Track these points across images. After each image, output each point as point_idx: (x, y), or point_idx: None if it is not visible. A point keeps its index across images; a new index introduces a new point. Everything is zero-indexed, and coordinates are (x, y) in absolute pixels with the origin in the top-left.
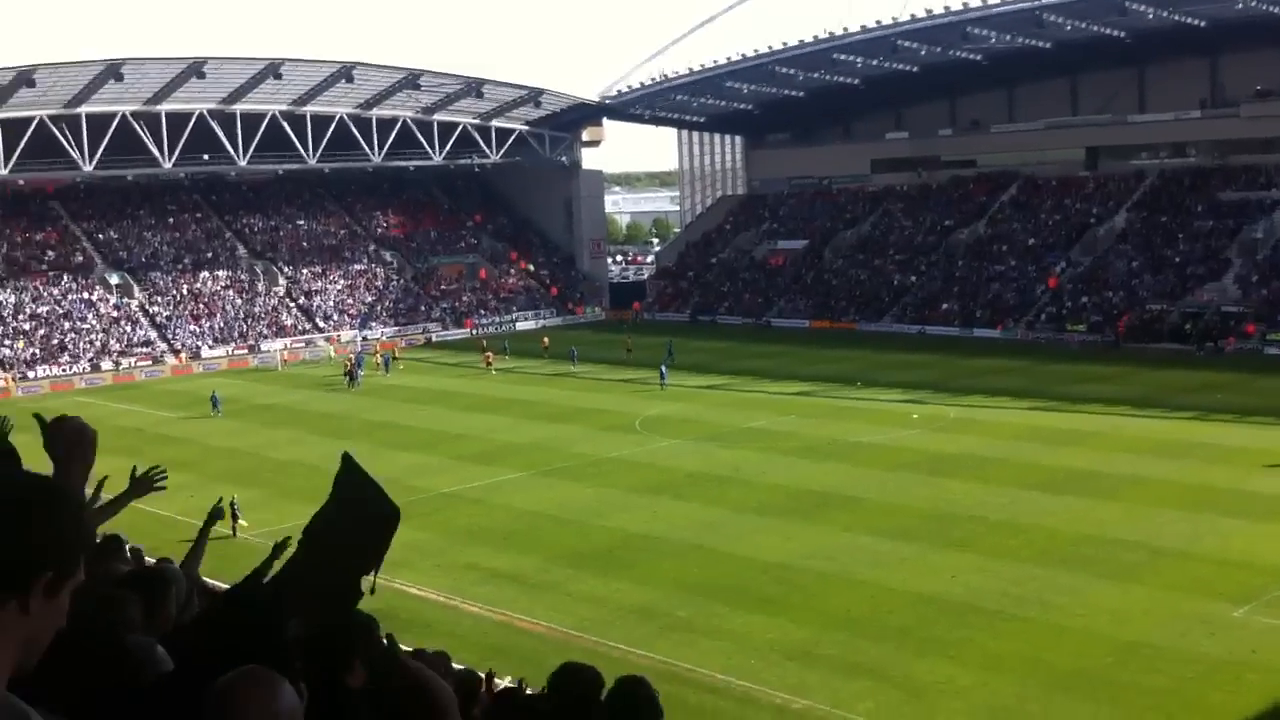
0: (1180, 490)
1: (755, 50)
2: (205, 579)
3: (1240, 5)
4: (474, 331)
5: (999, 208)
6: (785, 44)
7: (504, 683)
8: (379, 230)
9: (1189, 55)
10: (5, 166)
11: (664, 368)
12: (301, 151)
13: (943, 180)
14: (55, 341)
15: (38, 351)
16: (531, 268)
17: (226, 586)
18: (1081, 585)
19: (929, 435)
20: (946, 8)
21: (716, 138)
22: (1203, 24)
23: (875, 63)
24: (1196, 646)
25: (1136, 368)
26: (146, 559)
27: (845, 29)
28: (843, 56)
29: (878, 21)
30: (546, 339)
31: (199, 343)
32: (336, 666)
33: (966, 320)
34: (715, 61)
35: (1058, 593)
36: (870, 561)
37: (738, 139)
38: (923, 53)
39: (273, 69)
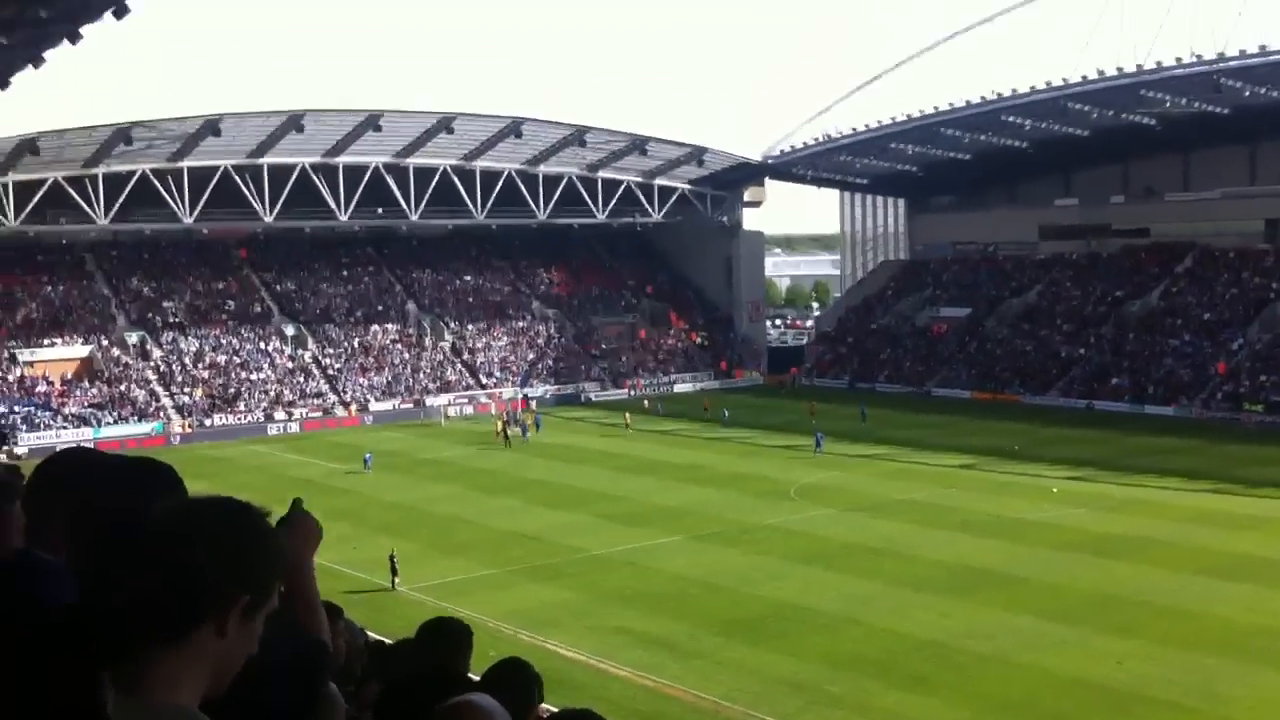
0: None
1: (920, 111)
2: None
3: None
4: (631, 393)
5: (1173, 279)
6: (951, 104)
7: None
8: (542, 288)
9: None
10: (191, 216)
11: (819, 435)
12: (470, 206)
13: (1113, 249)
14: (232, 390)
15: (215, 400)
16: (698, 338)
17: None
18: (1252, 676)
19: (1094, 515)
20: (1120, 69)
21: (879, 200)
22: None
23: (1044, 125)
24: None
25: None
26: None
27: (1014, 90)
28: (1011, 118)
29: (1047, 83)
30: (707, 401)
31: (368, 395)
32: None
33: (1138, 396)
34: (879, 122)
35: (1228, 683)
36: (1029, 644)
37: (901, 202)
38: (1094, 116)
39: (444, 123)
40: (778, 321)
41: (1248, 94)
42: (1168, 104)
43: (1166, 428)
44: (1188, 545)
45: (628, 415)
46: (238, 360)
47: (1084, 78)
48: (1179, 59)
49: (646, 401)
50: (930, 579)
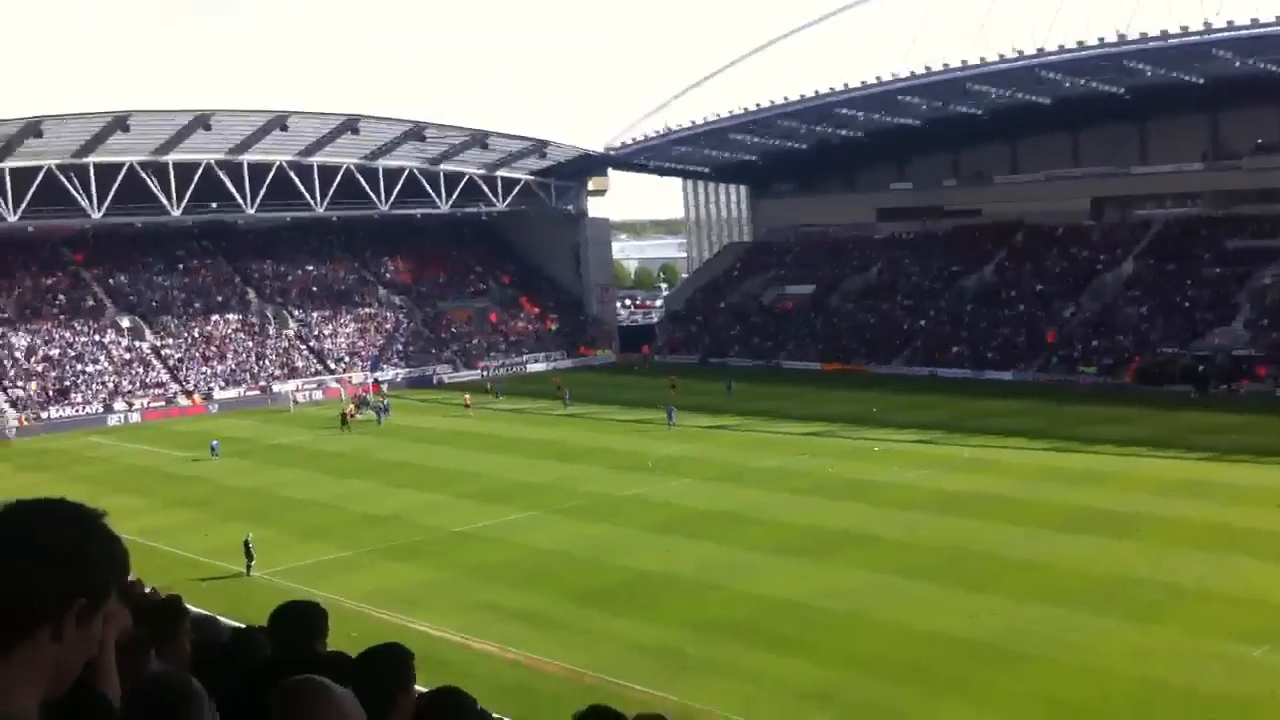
0: (1199, 529)
1: (758, 104)
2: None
3: (1238, 64)
4: (484, 373)
5: (1006, 254)
6: (787, 98)
7: None
8: (388, 276)
9: (1189, 110)
10: (14, 214)
11: (671, 407)
12: (309, 200)
13: (948, 229)
14: (68, 383)
15: (51, 392)
16: (553, 325)
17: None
18: (1103, 625)
19: (943, 475)
20: (945, 65)
21: (722, 187)
22: (1202, 81)
23: (877, 116)
24: (1218, 686)
25: (1150, 409)
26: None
27: (846, 84)
28: (845, 111)
29: (878, 77)
30: (558, 379)
31: (211, 384)
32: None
33: (978, 363)
34: (719, 115)
35: (1079, 632)
36: (888, 601)
37: (743, 188)
38: (924, 107)
39: (279, 121)
40: (627, 302)
41: (1068, 85)
42: (993, 95)
43: (1006, 391)
44: (1032, 501)
45: (467, 396)
46: (72, 353)
47: (912, 73)
48: (1001, 55)
49: (489, 384)
50: (788, 543)
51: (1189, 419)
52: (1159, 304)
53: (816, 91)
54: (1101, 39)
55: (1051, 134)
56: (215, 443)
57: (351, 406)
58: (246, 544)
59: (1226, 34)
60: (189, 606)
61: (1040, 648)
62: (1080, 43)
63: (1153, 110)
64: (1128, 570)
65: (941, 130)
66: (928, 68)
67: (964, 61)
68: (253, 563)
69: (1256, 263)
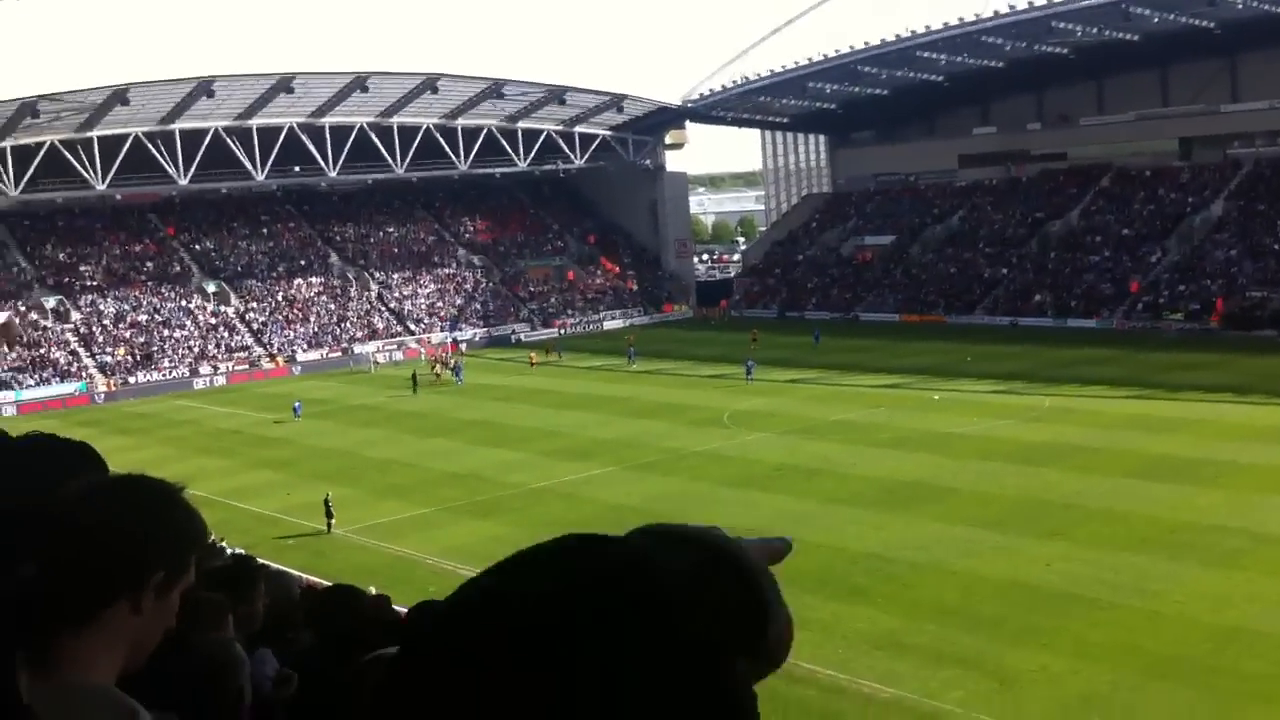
0: None
1: (837, 50)
2: (302, 574)
3: None
4: (561, 331)
5: (1091, 199)
6: (867, 43)
7: None
8: (467, 236)
9: None
10: (104, 182)
11: (750, 362)
12: (390, 161)
13: (1032, 174)
14: (155, 348)
15: (138, 357)
16: (634, 285)
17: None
18: (1180, 572)
19: (1023, 425)
20: (1030, 2)
21: (800, 137)
22: None
23: (959, 59)
24: None
25: (1237, 355)
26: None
27: (928, 26)
28: (926, 54)
29: (960, 19)
30: (631, 336)
31: (294, 346)
32: None
33: (1060, 311)
34: (797, 62)
35: (1155, 580)
36: (963, 551)
37: (822, 138)
38: (1007, 48)
39: (359, 83)
40: (704, 256)
41: (1156, 20)
42: (1079, 34)
43: (1090, 340)
44: (1113, 450)
45: (533, 355)
46: (159, 318)
47: (995, 12)
48: None
49: (546, 350)
50: (864, 495)
51: (1276, 365)
52: (1248, 246)
53: (897, 35)
54: None
55: (1139, 72)
56: (298, 404)
57: (440, 366)
58: (326, 502)
59: None
60: (267, 563)
61: (1116, 595)
62: None
63: (1243, 45)
64: (1208, 518)
65: (1025, 71)
66: (1011, 6)
67: None
68: (333, 520)
69: None
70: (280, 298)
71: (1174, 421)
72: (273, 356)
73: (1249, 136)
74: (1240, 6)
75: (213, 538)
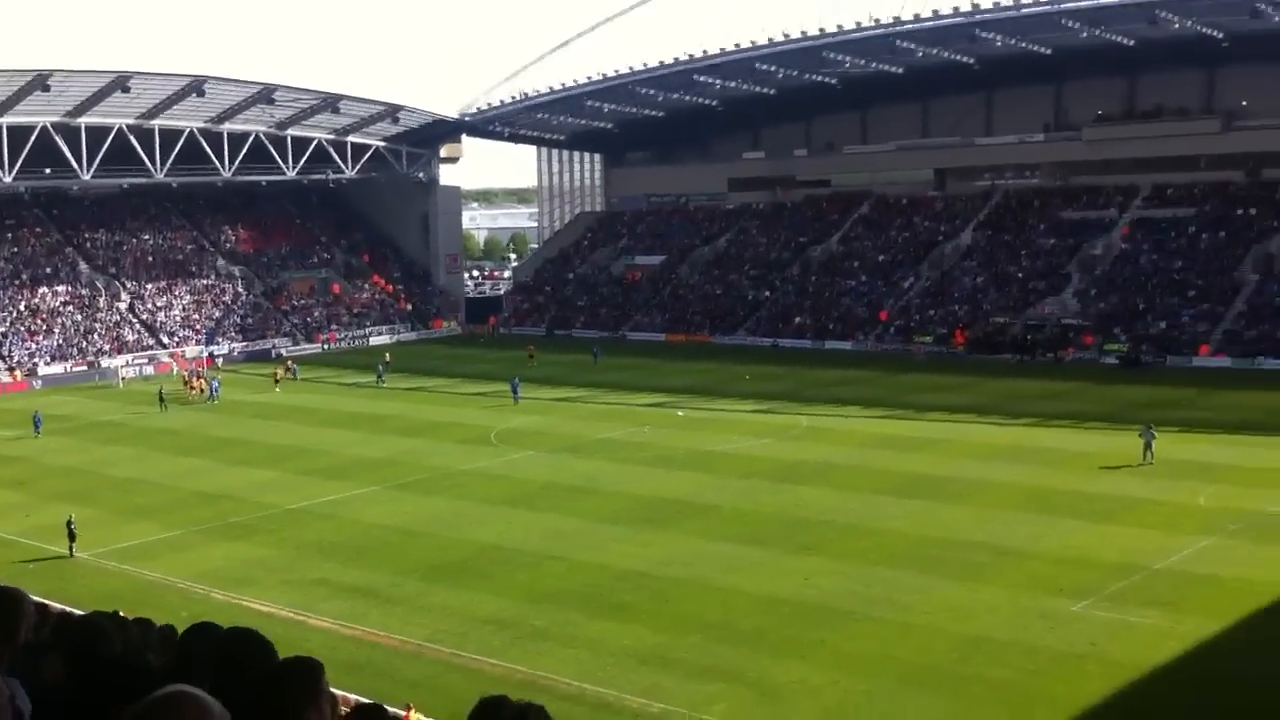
0: (1022, 493)
1: (615, 70)
2: (44, 600)
3: (1085, 34)
4: (326, 346)
5: (851, 225)
6: (645, 64)
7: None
8: (228, 245)
9: (1035, 81)
10: None
11: (516, 381)
12: (149, 165)
13: (798, 199)
14: None
15: None
16: (409, 305)
17: (66, 608)
18: (928, 585)
19: (782, 444)
20: (804, 33)
21: (576, 155)
22: (1048, 51)
23: (733, 85)
24: (1038, 640)
25: (981, 377)
26: None
27: (705, 51)
28: (702, 78)
29: (736, 45)
30: (388, 354)
31: (35, 360)
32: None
33: (819, 333)
34: (575, 81)
35: (905, 592)
36: (723, 567)
37: (597, 157)
38: (780, 75)
39: (121, 82)
40: (475, 273)
41: (920, 54)
42: (848, 64)
43: (846, 361)
44: (865, 468)
45: (278, 371)
46: None
47: (770, 40)
48: (859, 23)
49: (284, 368)
50: (629, 512)
51: (1016, 387)
52: (993, 274)
53: (675, 59)
54: (956, 8)
55: (901, 104)
56: (38, 415)
57: (196, 380)
58: (69, 524)
59: (1078, 2)
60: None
61: (870, 608)
62: (935, 11)
63: (1000, 81)
64: (954, 533)
65: (795, 99)
66: (786, 35)
67: (822, 29)
68: (75, 544)
69: (1088, 233)
70: (23, 307)
71: (922, 441)
72: (12, 370)
73: (1000, 169)
74: (999, 44)
75: None
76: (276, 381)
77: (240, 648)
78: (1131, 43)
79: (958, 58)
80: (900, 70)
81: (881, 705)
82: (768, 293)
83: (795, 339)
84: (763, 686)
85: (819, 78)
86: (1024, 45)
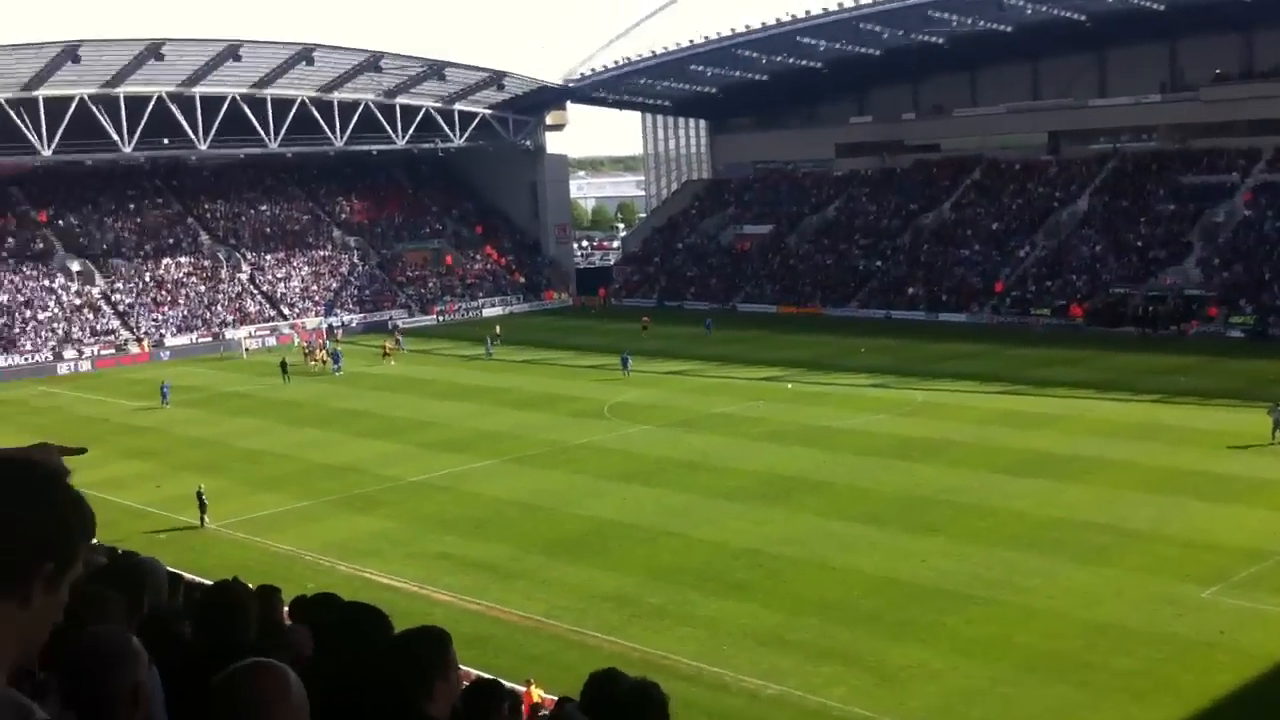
0: (1147, 473)
1: (718, 33)
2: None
3: None
4: (440, 318)
5: (963, 191)
6: (748, 26)
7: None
8: (343, 216)
9: (1149, 39)
10: None
11: (627, 355)
12: (263, 135)
13: (906, 164)
14: (16, 330)
15: None
16: (521, 277)
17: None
18: (1051, 568)
19: (897, 419)
20: None
21: (681, 121)
22: (1161, 7)
23: (838, 46)
24: (1166, 627)
25: (1101, 351)
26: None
27: (808, 11)
28: (805, 39)
29: (840, 4)
30: (498, 327)
31: (162, 330)
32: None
33: (933, 304)
34: (679, 44)
35: (1028, 575)
36: (841, 546)
37: (702, 123)
38: (885, 36)
39: (232, 51)
40: (585, 243)
41: (1029, 11)
42: (954, 23)
43: (961, 334)
44: (984, 445)
45: (387, 344)
46: (20, 299)
47: None
48: None
49: (393, 340)
50: (744, 489)
51: (1139, 361)
52: (1112, 242)
53: (777, 19)
54: None
55: (1011, 64)
56: (166, 385)
57: (320, 353)
58: (199, 495)
59: None
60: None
61: (991, 590)
62: None
63: (1112, 39)
64: (1077, 514)
65: (902, 60)
66: None
67: None
68: (206, 514)
69: (1210, 199)
70: (148, 278)
71: (1041, 417)
72: (140, 341)
73: (1115, 131)
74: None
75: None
76: (386, 354)
77: (361, 619)
78: None
79: (1068, 14)
80: (1009, 29)
81: (1004, 691)
82: (879, 263)
83: (908, 310)
84: (881, 670)
85: (925, 37)
86: (1136, 0)
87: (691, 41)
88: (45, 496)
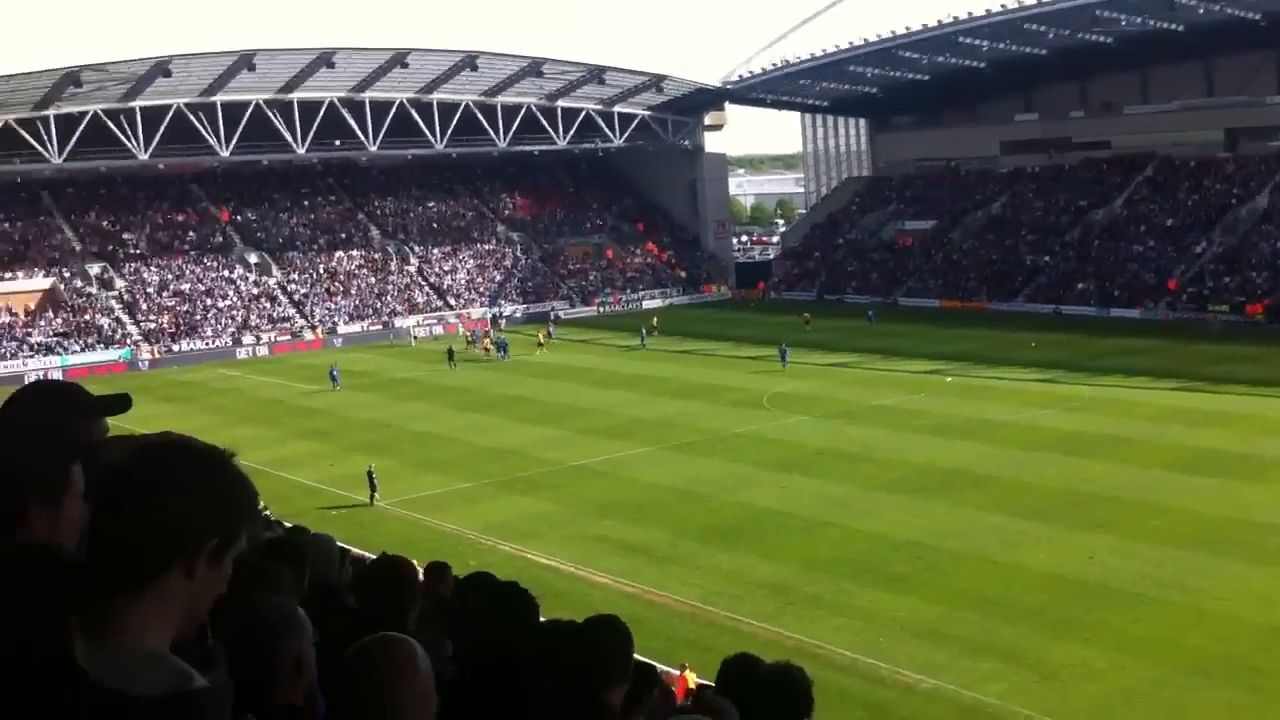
0: None
1: (878, 34)
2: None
3: None
4: (601, 309)
5: (1135, 188)
6: (909, 28)
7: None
8: (506, 212)
9: None
10: (145, 152)
11: (784, 347)
12: (430, 137)
13: (1075, 162)
14: (198, 317)
15: (181, 326)
16: (682, 271)
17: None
18: (1224, 569)
19: (1064, 414)
20: None
21: (840, 120)
22: None
23: (1001, 46)
24: None
25: None
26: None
27: (970, 13)
28: (968, 40)
29: (1003, 5)
30: (655, 319)
31: (335, 319)
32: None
33: (1103, 300)
34: (838, 46)
35: (1199, 576)
36: (1003, 541)
37: (862, 121)
38: (1050, 35)
39: (399, 58)
40: (744, 238)
41: (1201, 10)
42: (1123, 22)
43: (1133, 330)
44: (1155, 442)
45: (541, 334)
46: (202, 288)
47: (1039, 0)
48: None
49: (544, 333)
50: (904, 481)
51: None
52: None
53: (939, 21)
54: None
55: (1184, 63)
56: (335, 369)
57: (486, 340)
58: (370, 474)
59: None
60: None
61: (1159, 590)
62: None
63: None
64: (1253, 514)
65: (1069, 59)
66: None
67: None
68: (376, 493)
69: None
70: (321, 270)
71: (1217, 415)
72: (314, 328)
73: None
74: None
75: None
76: (540, 344)
77: (511, 597)
78: None
79: (1242, 13)
80: (1180, 28)
81: (1170, 694)
82: (1047, 258)
83: (1078, 306)
84: (1042, 668)
85: (1093, 37)
86: None
87: (851, 43)
88: (212, 475)
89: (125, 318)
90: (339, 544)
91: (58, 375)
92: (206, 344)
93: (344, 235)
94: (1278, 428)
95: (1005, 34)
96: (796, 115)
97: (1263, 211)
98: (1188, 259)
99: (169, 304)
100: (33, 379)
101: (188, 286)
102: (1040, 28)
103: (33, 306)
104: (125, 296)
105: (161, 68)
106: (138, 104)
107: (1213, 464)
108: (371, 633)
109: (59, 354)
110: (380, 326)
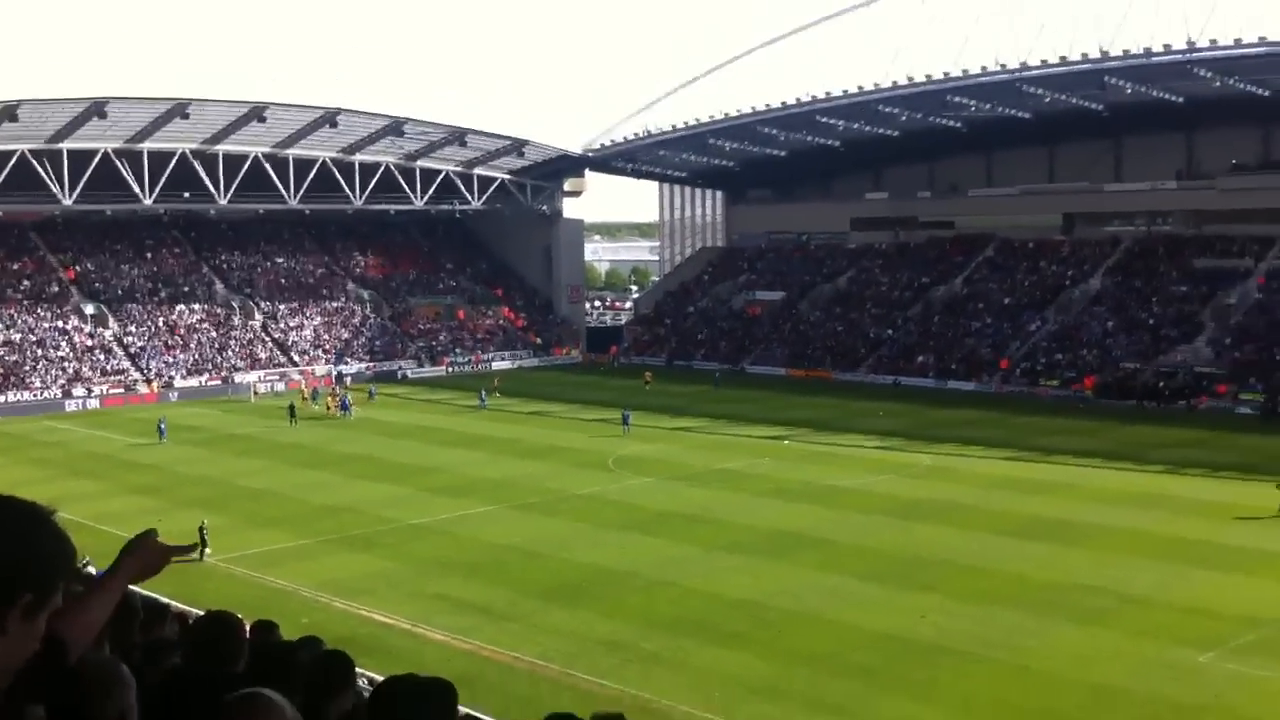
0: (1150, 540)
1: (739, 110)
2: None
3: (1218, 83)
4: (449, 369)
5: (975, 268)
6: (769, 105)
7: None
8: (358, 270)
9: (1166, 129)
10: None
11: (627, 413)
12: (283, 192)
13: (920, 240)
14: (27, 368)
15: (9, 376)
16: (538, 339)
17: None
18: (1048, 628)
19: (902, 481)
20: (928, 76)
21: (698, 191)
22: (1180, 100)
23: (856, 126)
24: (1161, 691)
25: (1109, 422)
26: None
27: (828, 93)
28: (824, 119)
29: (859, 87)
30: (497, 380)
31: (172, 372)
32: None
33: (942, 373)
34: (699, 119)
35: (1025, 635)
36: (838, 601)
37: (719, 194)
38: (903, 118)
39: (257, 112)
40: (597, 303)
41: (1048, 100)
42: (973, 108)
43: (969, 402)
44: (987, 509)
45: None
46: (33, 338)
47: (894, 83)
48: (984, 67)
49: (371, 389)
50: (744, 543)
51: (1146, 434)
52: (1124, 320)
53: (797, 99)
54: (1085, 54)
55: (1027, 148)
56: (162, 422)
57: (331, 399)
58: (201, 529)
59: (1208, 53)
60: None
61: (986, 649)
62: (1063, 58)
63: (1129, 128)
64: (1077, 578)
65: (918, 141)
66: (910, 78)
67: (946, 74)
68: (207, 549)
69: (1222, 282)
70: (161, 323)
71: (1047, 484)
72: (149, 381)
73: (1130, 215)
74: (1129, 91)
75: (82, 561)
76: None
77: (330, 665)
78: (1266, 93)
79: (1086, 104)
80: (1027, 115)
81: None
82: (890, 331)
83: (917, 378)
84: None
85: (943, 120)
86: (1154, 93)
87: (711, 117)
88: (28, 530)
89: None
90: (165, 600)
91: None
92: (34, 395)
93: (186, 288)
94: (1104, 496)
95: (860, 115)
96: (655, 185)
97: (1095, 293)
98: (1022, 336)
99: None
100: None
101: (18, 336)
102: (894, 110)
103: None
104: None
105: (8, 112)
106: None
107: (1039, 530)
108: (200, 687)
109: None
110: (219, 381)
